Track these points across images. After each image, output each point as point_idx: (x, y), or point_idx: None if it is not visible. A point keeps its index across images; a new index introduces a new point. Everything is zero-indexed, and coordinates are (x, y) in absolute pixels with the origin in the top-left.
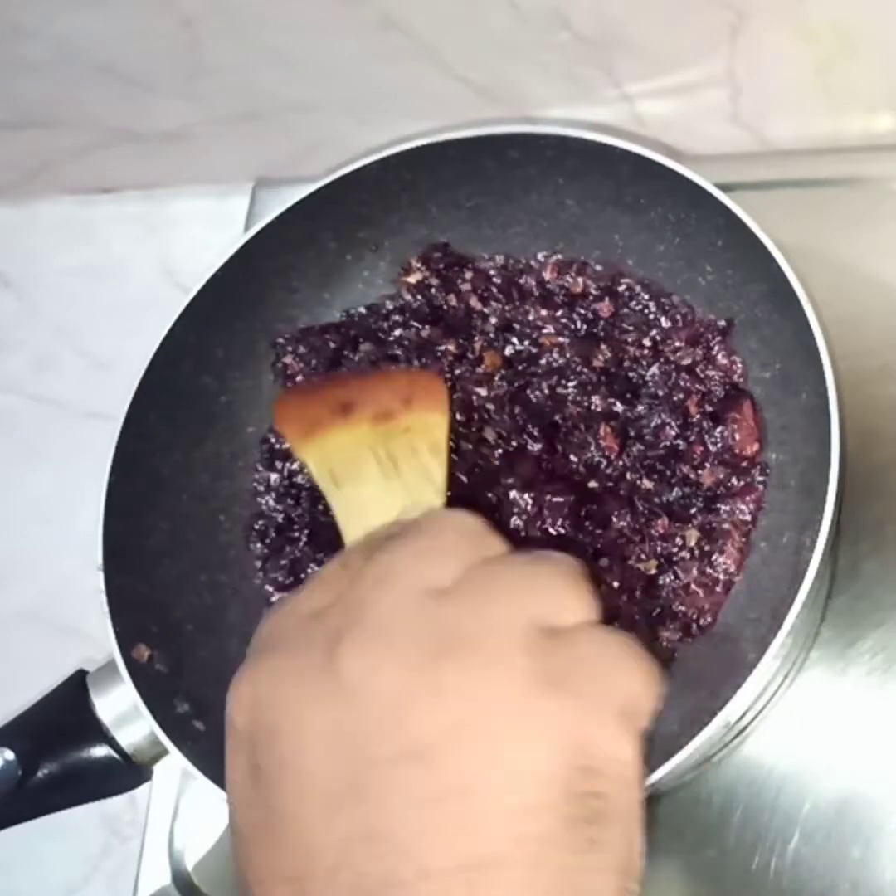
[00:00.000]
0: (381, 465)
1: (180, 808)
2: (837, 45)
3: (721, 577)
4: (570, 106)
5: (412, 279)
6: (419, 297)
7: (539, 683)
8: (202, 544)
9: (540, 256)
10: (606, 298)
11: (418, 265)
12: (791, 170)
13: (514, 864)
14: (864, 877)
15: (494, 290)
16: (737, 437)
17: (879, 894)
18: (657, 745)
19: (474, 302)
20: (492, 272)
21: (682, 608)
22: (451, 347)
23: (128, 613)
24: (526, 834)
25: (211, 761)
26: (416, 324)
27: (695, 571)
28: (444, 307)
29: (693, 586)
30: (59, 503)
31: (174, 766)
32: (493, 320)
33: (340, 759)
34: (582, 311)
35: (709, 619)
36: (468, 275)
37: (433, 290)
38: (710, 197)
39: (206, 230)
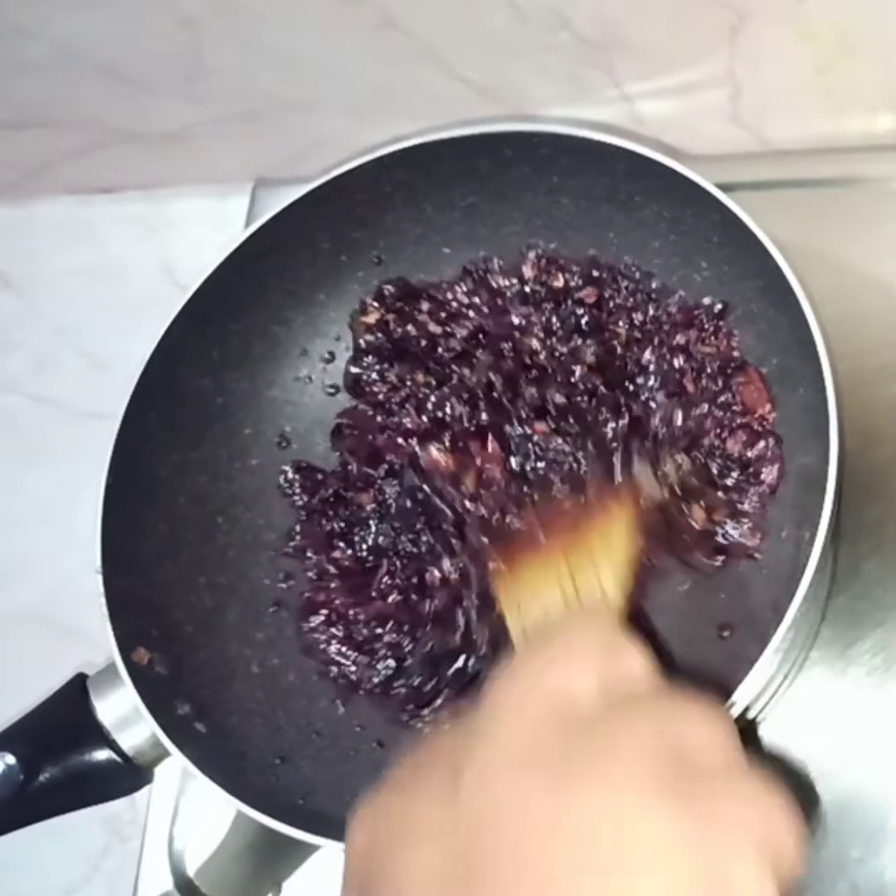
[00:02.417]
0: (564, 595)
1: (180, 809)
2: (837, 45)
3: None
4: (570, 106)
5: (371, 318)
6: (379, 335)
7: (674, 809)
8: (200, 546)
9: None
10: (587, 286)
11: (374, 304)
12: (791, 170)
13: None
14: (864, 877)
15: (456, 305)
16: (746, 401)
17: (879, 894)
18: None
19: (433, 327)
20: (452, 293)
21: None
22: (420, 377)
23: (127, 616)
24: None
25: (212, 762)
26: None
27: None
28: (405, 338)
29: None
30: (59, 503)
31: (174, 767)
32: (462, 334)
33: None
34: (567, 306)
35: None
36: (425, 305)
37: (391, 325)
38: (705, 193)
39: (206, 230)
